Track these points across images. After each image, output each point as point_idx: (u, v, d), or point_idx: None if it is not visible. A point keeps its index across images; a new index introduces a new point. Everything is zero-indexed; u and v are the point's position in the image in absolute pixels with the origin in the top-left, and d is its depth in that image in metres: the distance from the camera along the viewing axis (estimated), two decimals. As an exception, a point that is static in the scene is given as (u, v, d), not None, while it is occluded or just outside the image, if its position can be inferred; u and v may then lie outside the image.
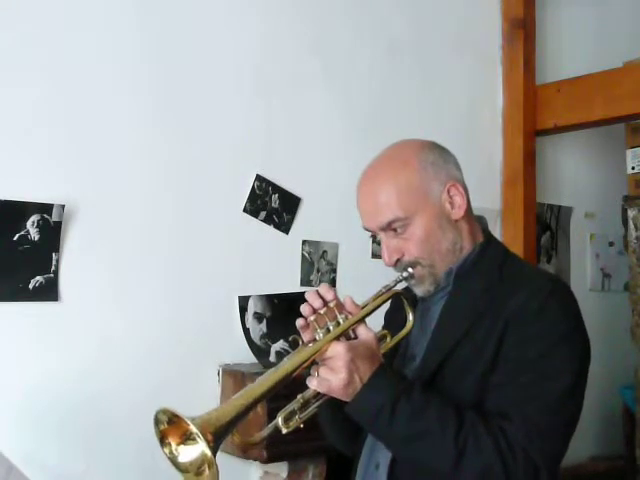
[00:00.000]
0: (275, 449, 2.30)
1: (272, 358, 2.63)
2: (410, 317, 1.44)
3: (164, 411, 1.20)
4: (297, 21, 2.85)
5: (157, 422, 1.21)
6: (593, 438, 3.64)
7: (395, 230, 1.41)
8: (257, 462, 2.40)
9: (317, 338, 1.30)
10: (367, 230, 1.47)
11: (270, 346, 2.66)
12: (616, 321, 3.60)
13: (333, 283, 2.88)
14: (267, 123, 2.74)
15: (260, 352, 2.62)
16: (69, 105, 2.31)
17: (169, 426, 1.21)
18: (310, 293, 1.35)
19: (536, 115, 3.42)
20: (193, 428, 1.15)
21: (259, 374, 2.42)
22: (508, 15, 3.47)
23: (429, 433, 1.25)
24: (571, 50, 3.68)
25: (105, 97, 2.38)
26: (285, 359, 1.31)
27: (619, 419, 3.70)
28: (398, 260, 1.42)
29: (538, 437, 1.25)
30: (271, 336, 2.67)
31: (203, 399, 2.50)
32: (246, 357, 2.60)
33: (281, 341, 2.67)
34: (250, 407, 1.24)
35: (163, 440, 1.22)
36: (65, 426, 2.23)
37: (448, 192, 1.42)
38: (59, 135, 2.29)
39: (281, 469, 2.48)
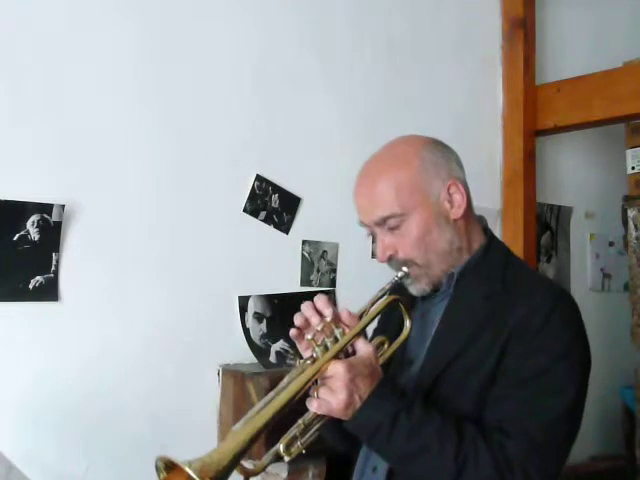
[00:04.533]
0: (275, 449, 2.29)
1: (272, 358, 2.64)
2: (407, 323, 1.41)
3: (161, 458, 1.16)
4: (296, 21, 2.85)
5: (157, 470, 1.17)
6: (593, 438, 3.64)
7: (390, 226, 1.39)
8: (257, 462, 2.39)
9: (314, 355, 1.28)
10: (363, 225, 1.45)
11: (270, 346, 2.66)
12: (616, 321, 3.60)
13: (333, 283, 2.88)
14: (267, 123, 2.74)
15: (260, 352, 2.63)
16: (69, 105, 2.31)
17: (170, 474, 1.16)
18: (306, 305, 1.33)
19: (536, 115, 3.42)
20: (192, 474, 1.10)
21: (259, 374, 2.45)
22: (508, 15, 3.47)
23: (428, 450, 1.24)
24: (571, 50, 3.68)
25: (104, 97, 2.37)
26: (284, 380, 1.29)
27: (619, 419, 3.70)
28: (391, 256, 1.41)
29: (536, 454, 1.25)
30: (271, 336, 2.67)
31: (203, 399, 2.51)
32: (246, 357, 2.60)
33: (281, 341, 2.67)
34: (252, 441, 1.20)
35: None
36: (65, 426, 2.23)
37: (448, 190, 1.41)
38: (59, 135, 2.29)
39: (281, 469, 2.48)
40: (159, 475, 1.17)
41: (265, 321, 2.67)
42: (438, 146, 1.46)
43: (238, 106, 2.67)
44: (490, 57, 3.47)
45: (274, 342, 2.67)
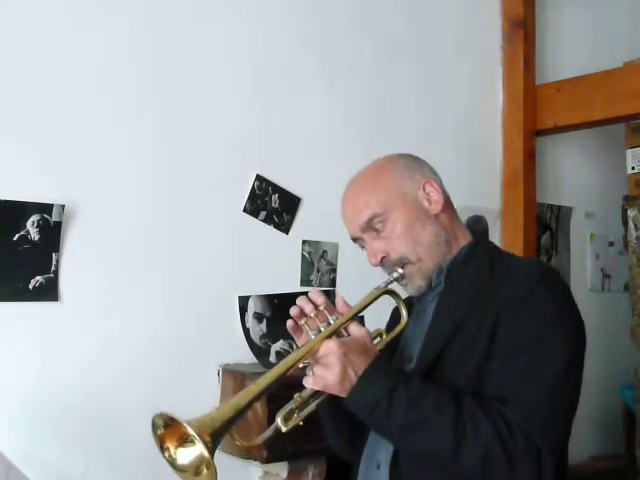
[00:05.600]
0: (275, 449, 2.29)
1: (272, 358, 2.64)
2: (404, 313, 1.46)
3: (160, 415, 1.21)
4: (296, 21, 2.85)
5: (155, 427, 1.22)
6: (593, 438, 3.64)
7: (376, 230, 1.45)
8: (257, 462, 2.40)
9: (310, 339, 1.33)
10: (354, 240, 1.52)
11: (270, 346, 2.66)
12: (616, 321, 3.60)
13: (333, 283, 2.88)
14: (267, 123, 2.74)
15: (260, 352, 2.63)
16: (69, 105, 2.31)
17: (166, 430, 1.22)
18: (300, 298, 1.39)
19: (536, 115, 3.42)
20: (190, 430, 1.16)
21: (259, 374, 2.43)
22: (508, 15, 3.47)
23: (427, 421, 1.26)
24: (571, 50, 3.69)
25: (105, 97, 2.37)
26: (281, 362, 1.33)
27: (619, 419, 3.70)
28: (384, 259, 1.45)
29: (537, 418, 1.26)
30: (271, 336, 2.67)
31: (203, 399, 2.50)
32: (246, 357, 2.60)
33: (281, 341, 2.67)
34: (246, 406, 1.25)
35: (162, 445, 1.23)
36: (65, 426, 2.23)
37: (424, 189, 1.47)
38: (59, 135, 2.29)
39: (281, 469, 2.48)
40: (155, 432, 1.22)
41: (265, 321, 2.68)
42: (410, 156, 1.55)
43: (238, 106, 2.67)
44: (490, 57, 3.47)
45: (274, 342, 2.67)
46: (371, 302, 1.43)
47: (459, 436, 1.24)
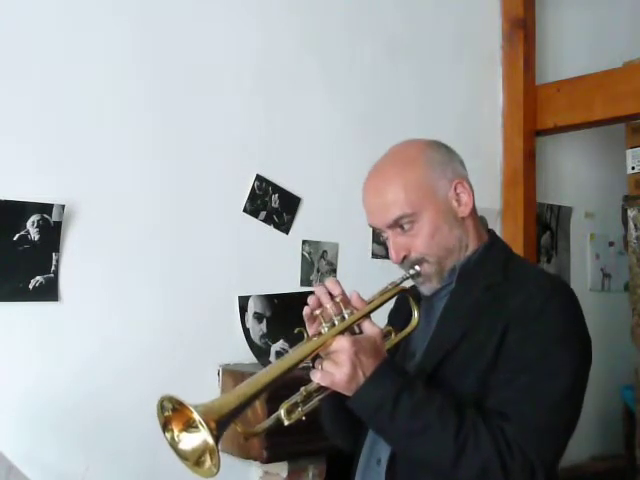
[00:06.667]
0: (275, 449, 2.29)
1: (272, 358, 2.63)
2: (415, 314, 1.44)
3: (169, 398, 1.20)
4: (296, 21, 2.85)
5: (161, 409, 1.21)
6: (593, 438, 3.64)
7: (402, 227, 1.41)
8: (257, 462, 2.40)
9: (322, 332, 1.31)
10: (373, 228, 1.47)
11: (270, 346, 2.66)
12: (616, 321, 3.60)
13: (333, 283, 2.87)
14: (267, 123, 2.74)
15: (260, 352, 2.63)
16: (69, 105, 2.31)
17: (173, 413, 1.21)
18: (318, 286, 1.36)
19: (536, 115, 3.42)
20: (196, 415, 1.14)
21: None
22: (508, 15, 3.47)
23: (429, 429, 1.25)
24: (571, 50, 3.69)
25: (104, 97, 2.38)
26: (290, 351, 1.32)
27: (619, 419, 3.70)
28: (405, 257, 1.43)
29: (535, 437, 1.26)
30: (271, 336, 2.67)
31: (203, 399, 2.49)
32: (246, 357, 2.60)
33: (281, 341, 2.67)
34: (254, 396, 1.24)
35: (166, 426, 1.22)
36: (65, 426, 2.23)
37: (455, 189, 1.43)
38: (59, 135, 2.29)
39: (281, 469, 2.48)
40: (160, 415, 1.22)
41: (265, 321, 2.67)
42: (442, 147, 1.49)
43: (238, 106, 2.67)
44: (490, 57, 3.47)
45: (274, 342, 2.67)
46: (386, 301, 1.41)
47: (460, 447, 1.23)
